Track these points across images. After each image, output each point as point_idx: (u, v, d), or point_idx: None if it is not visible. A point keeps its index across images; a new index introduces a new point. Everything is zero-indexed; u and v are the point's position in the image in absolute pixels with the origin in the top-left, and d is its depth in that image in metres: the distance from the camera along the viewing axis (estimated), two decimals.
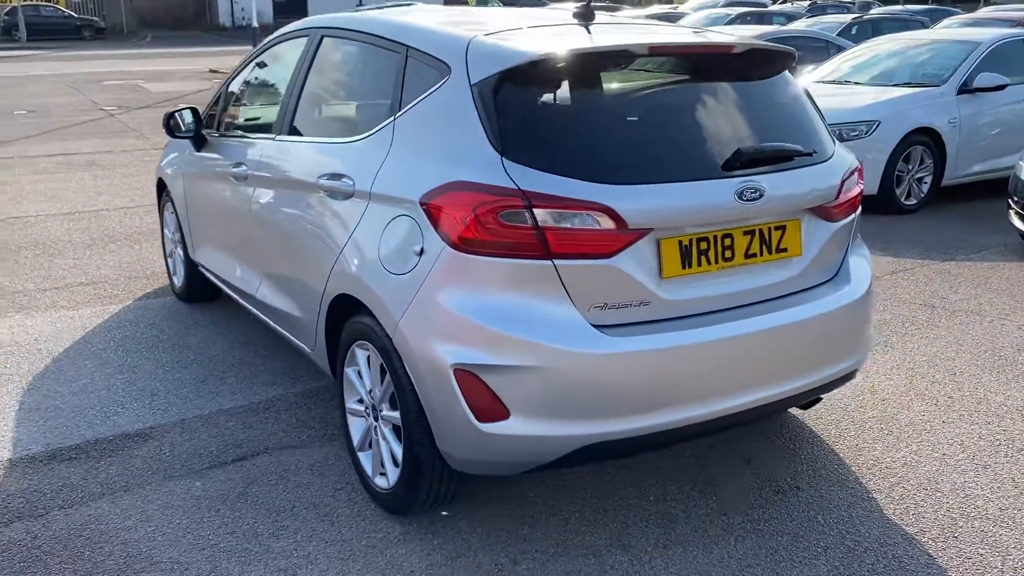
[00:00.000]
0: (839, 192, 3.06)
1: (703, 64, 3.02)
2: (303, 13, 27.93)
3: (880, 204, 7.89)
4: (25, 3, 34.99)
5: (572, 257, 2.57)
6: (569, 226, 2.56)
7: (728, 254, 2.83)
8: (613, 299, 2.64)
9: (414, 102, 2.96)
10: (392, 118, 3.04)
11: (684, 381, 2.72)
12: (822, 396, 3.48)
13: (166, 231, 5.51)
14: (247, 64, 4.53)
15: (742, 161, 2.81)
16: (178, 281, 5.37)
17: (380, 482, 3.07)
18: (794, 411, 3.90)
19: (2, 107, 15.52)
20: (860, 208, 3.32)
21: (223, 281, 4.53)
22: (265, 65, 4.36)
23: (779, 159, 2.94)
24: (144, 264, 6.19)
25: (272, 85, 4.24)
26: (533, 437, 2.61)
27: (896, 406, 3.97)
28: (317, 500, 3.19)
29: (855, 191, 3.18)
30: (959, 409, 3.94)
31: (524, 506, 3.15)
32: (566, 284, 2.59)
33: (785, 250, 2.96)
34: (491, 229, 2.54)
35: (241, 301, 4.35)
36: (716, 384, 2.78)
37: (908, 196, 8.08)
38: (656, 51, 2.90)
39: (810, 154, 3.04)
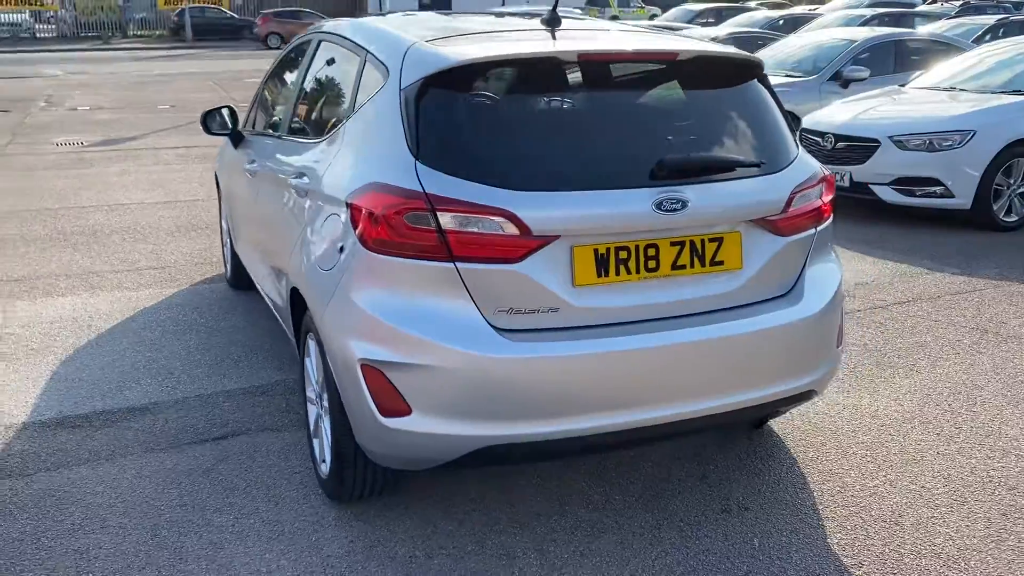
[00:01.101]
0: (787, 205, 2.95)
1: (645, 72, 2.98)
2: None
3: (974, 219, 7.41)
4: (192, 5, 37.53)
5: (475, 261, 2.62)
6: (473, 230, 2.60)
7: (652, 264, 2.79)
8: (520, 304, 2.67)
9: (362, 105, 3.08)
10: (345, 120, 3.17)
11: (591, 390, 2.71)
12: (772, 415, 3.33)
13: (222, 222, 5.89)
14: (274, 65, 4.79)
15: (667, 171, 2.76)
16: (227, 270, 5.72)
17: (323, 468, 3.21)
18: (778, 430, 3.77)
19: (151, 101, 16.79)
20: (828, 222, 3.18)
21: (248, 270, 4.81)
22: (285, 66, 4.60)
23: (713, 169, 2.87)
24: (213, 252, 6.61)
25: (285, 86, 4.47)
26: (433, 435, 2.67)
27: (893, 433, 3.76)
28: (272, 481, 3.36)
29: (812, 204, 3.05)
30: (962, 440, 3.69)
31: (460, 503, 3.20)
32: (469, 287, 2.63)
33: (721, 263, 2.88)
34: (398, 231, 2.62)
35: (259, 290, 4.62)
36: (629, 395, 2.75)
37: (1008, 212, 7.53)
38: (587, 58, 2.88)
39: (756, 165, 2.95)
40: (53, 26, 39.81)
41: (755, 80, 3.15)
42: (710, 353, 2.84)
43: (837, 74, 10.07)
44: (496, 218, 2.60)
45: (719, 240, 2.87)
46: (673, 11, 25.11)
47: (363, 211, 2.71)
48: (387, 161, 2.77)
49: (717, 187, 2.84)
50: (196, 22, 36.68)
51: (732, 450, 3.61)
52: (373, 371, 2.66)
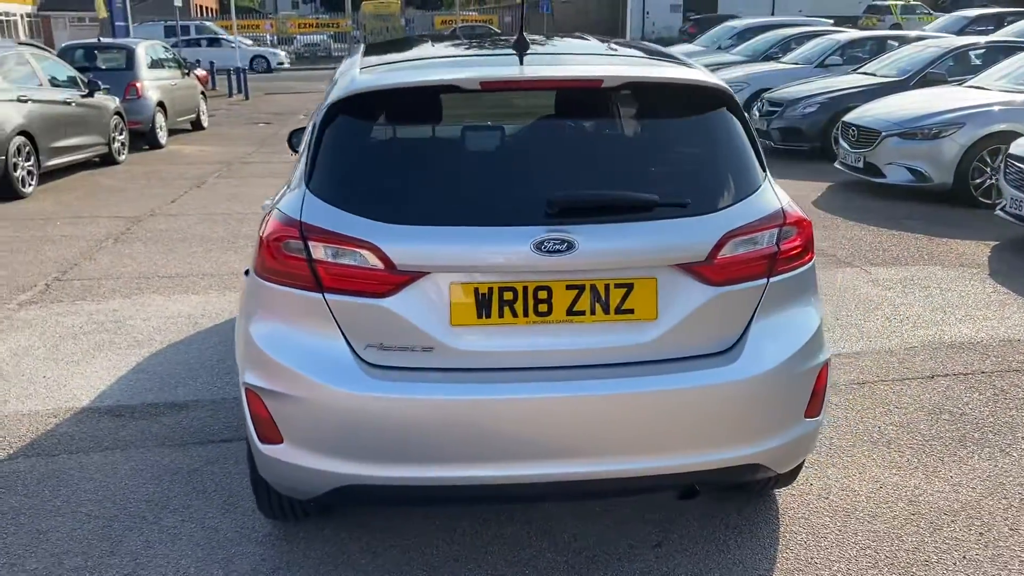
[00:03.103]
0: (715, 251, 2.59)
1: (567, 101, 2.75)
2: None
3: None
4: (463, 24, 39.84)
5: (343, 293, 2.56)
6: (341, 262, 2.55)
7: (543, 308, 2.57)
8: (390, 341, 2.57)
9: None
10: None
11: (462, 438, 2.54)
12: (700, 488, 2.90)
13: None
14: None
15: (556, 210, 2.53)
16: None
17: None
18: (783, 500, 3.31)
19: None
20: (795, 272, 2.75)
21: None
22: None
23: (618, 209, 2.58)
24: None
25: None
26: (300, 467, 2.64)
27: (922, 525, 3.18)
28: (236, 490, 3.50)
29: (758, 251, 2.65)
30: (1006, 545, 3.03)
31: (387, 537, 3.14)
32: (339, 320, 2.58)
33: (631, 312, 2.59)
34: (277, 258, 2.63)
35: None
36: (508, 448, 2.55)
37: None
38: (491, 87, 2.69)
39: (679, 204, 2.61)
40: (346, 45, 43.95)
41: (711, 109, 2.80)
42: (610, 410, 2.56)
43: None
44: (361, 250, 2.52)
45: (628, 286, 2.58)
46: (944, 18, 22.71)
47: (258, 236, 2.75)
48: (293, 187, 2.79)
49: (616, 228, 2.55)
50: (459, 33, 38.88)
51: (707, 519, 3.23)
52: (255, 397, 2.69)
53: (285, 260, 2.61)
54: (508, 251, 2.50)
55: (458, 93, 2.70)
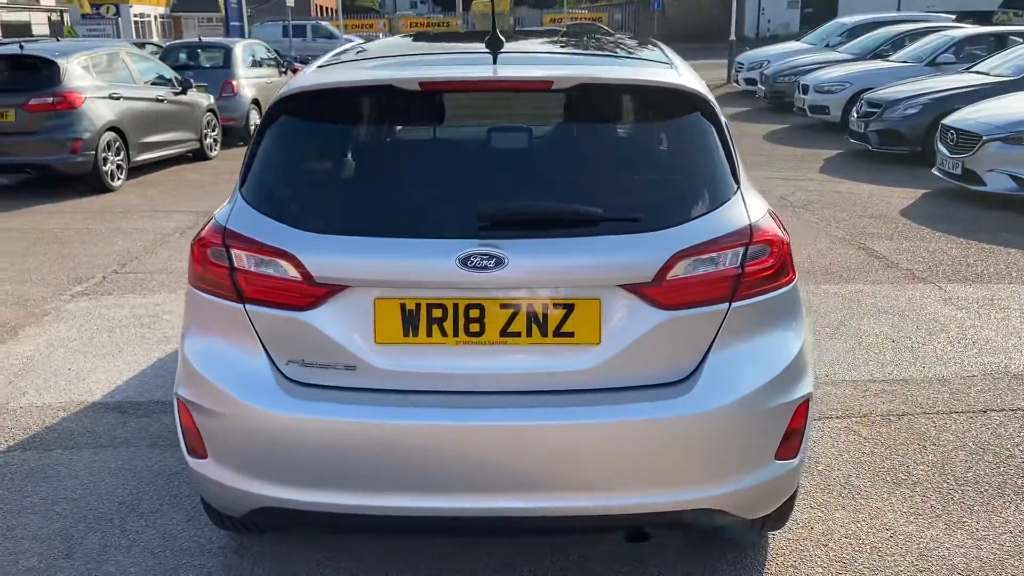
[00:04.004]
0: (664, 271, 2.32)
1: (518, 103, 2.53)
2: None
3: None
4: (573, 22, 39.56)
5: (264, 305, 2.43)
6: (260, 271, 2.42)
7: (475, 328, 2.37)
8: (311, 357, 2.42)
9: None
10: None
11: (383, 465, 2.37)
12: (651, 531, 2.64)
13: None
14: None
15: (487, 223, 2.32)
16: None
17: None
18: (775, 543, 3.00)
19: None
20: (766, 297, 2.45)
21: None
22: None
23: (556, 223, 2.35)
24: None
25: None
26: (223, 485, 2.53)
27: None
28: None
29: (718, 272, 2.37)
30: None
31: (332, 557, 3.00)
32: (260, 333, 2.45)
33: (571, 335, 2.36)
34: (204, 266, 2.52)
35: None
36: (433, 478, 2.37)
37: None
38: (431, 87, 2.49)
39: (628, 220, 2.36)
40: None
41: (680, 114, 2.54)
42: (545, 442, 2.34)
43: None
44: (279, 260, 2.38)
45: (568, 307, 2.35)
46: None
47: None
48: (233, 193, 2.68)
49: (552, 244, 2.32)
50: None
51: (695, 556, 2.95)
52: (184, 408, 2.60)
53: (210, 268, 2.50)
54: (431, 266, 2.31)
55: (399, 94, 2.53)
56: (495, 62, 2.68)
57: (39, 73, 9.69)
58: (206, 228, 2.58)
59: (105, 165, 9.89)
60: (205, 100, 12.38)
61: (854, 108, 12.08)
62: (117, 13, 37.92)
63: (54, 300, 6.00)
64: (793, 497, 2.86)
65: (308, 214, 2.42)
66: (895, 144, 11.06)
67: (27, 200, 9.57)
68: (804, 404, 2.53)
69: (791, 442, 2.52)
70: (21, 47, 10.22)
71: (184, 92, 11.72)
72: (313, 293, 2.38)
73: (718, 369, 2.41)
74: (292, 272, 2.38)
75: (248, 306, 2.44)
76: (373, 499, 2.41)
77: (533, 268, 2.30)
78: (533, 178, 2.49)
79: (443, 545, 3.03)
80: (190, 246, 2.60)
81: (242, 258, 2.44)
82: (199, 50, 15.07)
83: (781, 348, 2.50)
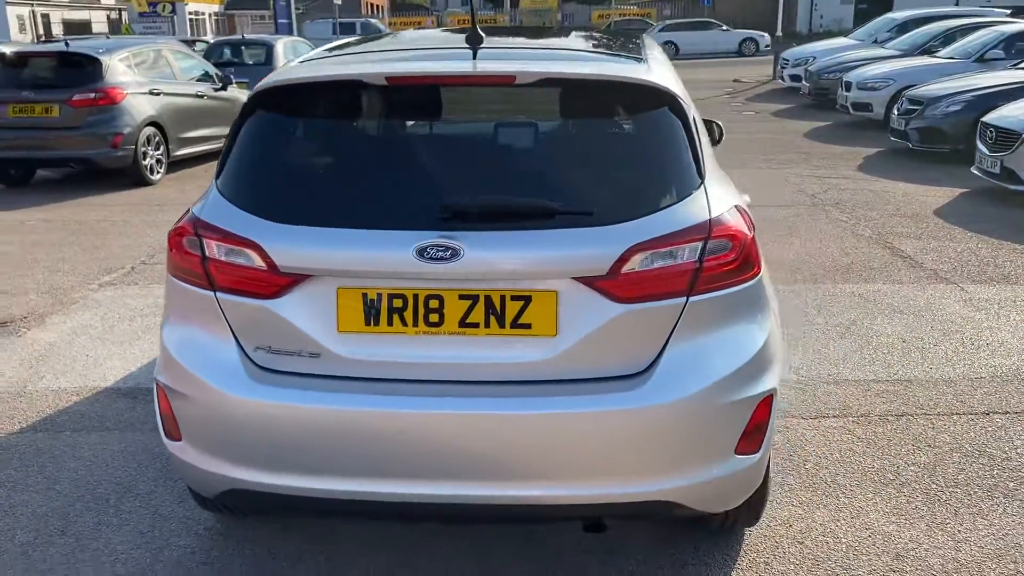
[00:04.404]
0: (619, 264, 2.34)
1: (483, 97, 2.56)
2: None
3: None
4: (620, 18, 39.39)
5: (232, 293, 2.50)
6: (229, 260, 2.49)
7: (434, 318, 2.42)
8: (278, 344, 2.49)
9: None
10: None
11: (345, 450, 2.43)
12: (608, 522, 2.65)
13: None
14: None
15: (445, 215, 2.37)
16: None
17: None
18: (751, 539, 3.00)
19: None
20: (728, 292, 2.45)
21: None
22: None
23: (512, 215, 2.38)
24: None
25: None
26: (195, 467, 2.62)
27: None
28: None
29: (675, 266, 2.37)
30: None
31: (313, 543, 3.07)
32: (229, 320, 2.53)
33: (528, 326, 2.40)
34: (179, 254, 2.61)
35: None
36: (393, 464, 2.42)
37: None
38: (398, 81, 2.54)
39: (583, 213, 2.38)
40: None
41: (644, 110, 2.56)
42: (501, 431, 2.38)
43: None
44: (246, 249, 2.46)
45: (526, 299, 2.39)
46: None
47: None
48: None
49: (509, 237, 2.35)
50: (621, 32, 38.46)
51: (660, 548, 2.96)
52: (161, 392, 2.69)
53: (184, 256, 2.59)
54: (390, 256, 2.36)
55: (367, 88, 2.59)
56: (474, 57, 2.72)
57: (83, 70, 9.98)
58: (183, 218, 2.67)
59: (145, 159, 10.16)
60: (245, 96, 12.61)
61: (896, 105, 11.85)
62: (173, 11, 38.81)
63: (82, 289, 6.21)
64: (763, 493, 2.86)
65: (275, 205, 2.49)
66: (936, 142, 10.81)
67: (70, 193, 9.89)
68: (767, 399, 2.53)
69: (753, 437, 2.51)
70: (67, 44, 10.54)
71: (224, 88, 11.97)
72: (278, 282, 2.45)
73: (675, 363, 2.42)
74: (258, 261, 2.45)
75: (219, 294, 2.52)
76: (334, 483, 2.47)
77: (489, 260, 2.34)
78: (495, 171, 2.52)
79: (419, 531, 3.09)
80: (167, 236, 2.69)
81: (213, 247, 2.52)
82: (242, 47, 15.39)
83: (742, 343, 2.50)
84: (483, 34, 2.80)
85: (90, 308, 5.76)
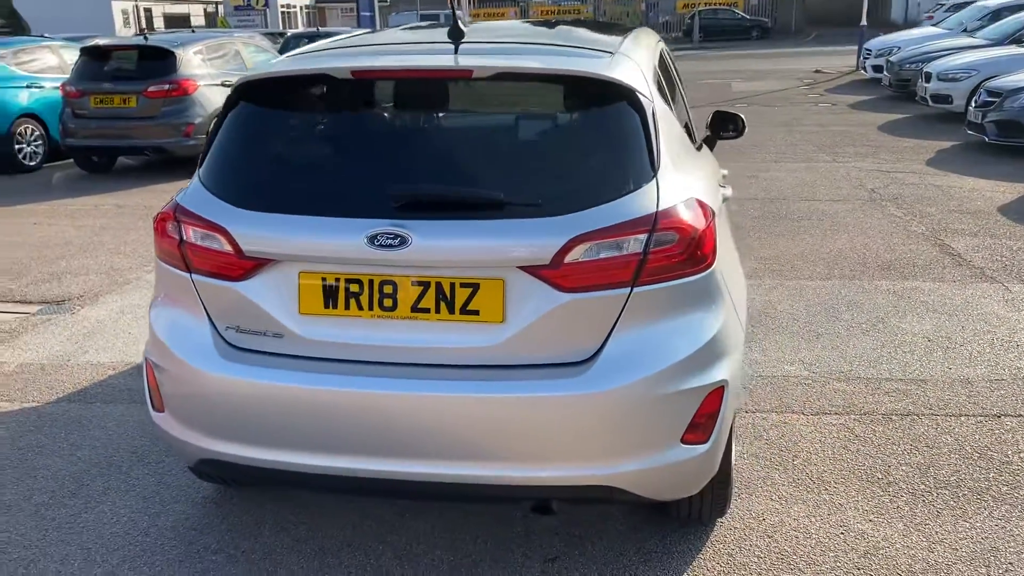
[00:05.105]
0: (561, 254, 2.40)
1: (443, 91, 2.64)
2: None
3: None
4: (707, 7, 38.74)
5: (205, 275, 2.66)
6: (202, 244, 2.65)
7: (388, 303, 2.53)
8: (245, 324, 2.64)
9: None
10: None
11: (303, 426, 2.56)
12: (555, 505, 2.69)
13: None
14: None
15: (396, 203, 2.47)
16: None
17: None
18: (719, 530, 3.03)
19: None
20: (677, 283, 2.48)
21: None
22: None
23: (461, 205, 2.47)
24: None
25: None
26: (174, 437, 2.79)
27: None
28: None
29: (619, 257, 2.41)
30: None
31: (299, 518, 3.23)
32: (204, 300, 2.69)
33: (476, 313, 2.48)
34: (163, 238, 2.79)
35: None
36: (348, 440, 2.54)
37: None
38: (362, 75, 2.65)
39: (530, 204, 2.45)
40: None
41: (601, 103, 2.61)
42: (449, 412, 2.48)
43: None
44: (215, 233, 2.61)
45: (474, 287, 2.47)
46: None
47: None
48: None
49: (455, 226, 2.44)
50: (706, 23, 37.86)
51: (623, 538, 3.01)
52: (149, 366, 2.88)
53: (165, 240, 2.76)
54: (343, 243, 2.48)
55: (334, 82, 2.71)
56: (456, 52, 2.81)
57: (159, 62, 10.46)
58: (167, 205, 2.84)
59: None
60: None
61: (974, 97, 11.39)
62: (266, 4, 39.95)
63: (138, 271, 6.55)
64: (724, 484, 2.88)
65: (243, 193, 2.64)
66: (1014, 135, 10.36)
67: (145, 180, 10.40)
68: (717, 391, 2.55)
69: (702, 427, 2.54)
70: (145, 38, 11.06)
71: None
72: (243, 265, 2.60)
73: (619, 352, 2.47)
74: (225, 245, 2.60)
75: (194, 275, 2.69)
76: (294, 457, 2.60)
77: (435, 248, 2.43)
78: (450, 163, 2.61)
79: (396, 510, 3.21)
80: (152, 221, 2.88)
81: (189, 232, 2.68)
82: (318, 40, 15.78)
83: (688, 334, 2.52)
84: (464, 29, 2.90)
85: (140, 289, 6.08)
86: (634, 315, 2.47)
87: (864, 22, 21.95)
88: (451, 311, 2.49)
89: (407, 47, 3.02)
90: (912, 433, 3.73)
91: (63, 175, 11.17)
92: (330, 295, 2.56)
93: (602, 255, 2.43)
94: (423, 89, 2.79)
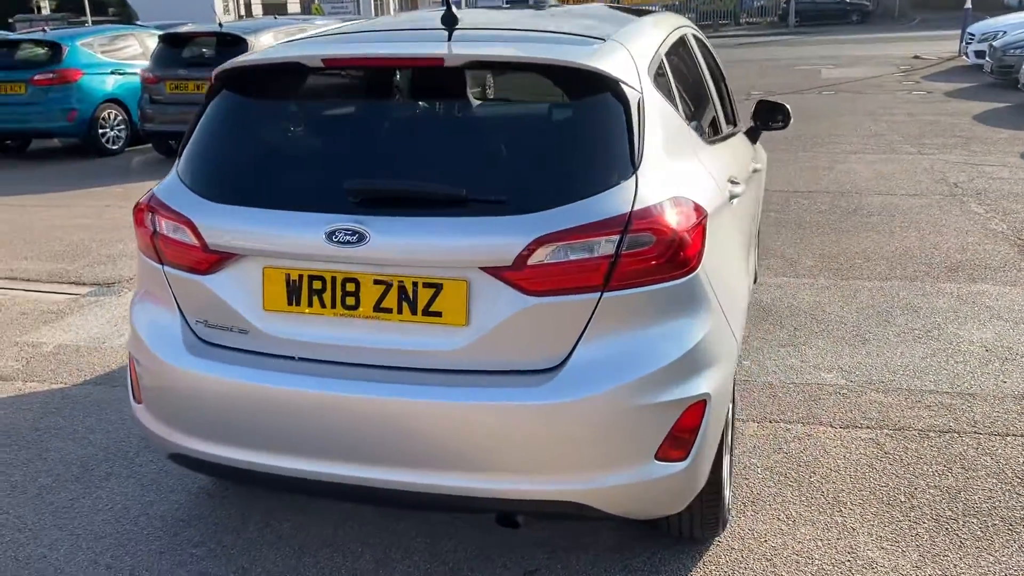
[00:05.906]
0: (524, 256, 2.25)
1: (415, 80, 2.51)
2: None
3: None
4: None
5: (175, 267, 2.62)
6: (172, 236, 2.61)
7: (351, 301, 2.43)
8: (213, 319, 2.59)
9: None
10: None
11: (263, 425, 2.49)
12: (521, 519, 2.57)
13: None
14: None
15: (355, 199, 2.36)
16: None
17: None
18: (714, 550, 2.84)
19: None
20: (654, 288, 2.31)
21: None
22: None
23: (422, 202, 2.34)
24: None
25: None
26: (148, 429, 2.77)
27: None
28: None
29: (589, 260, 2.25)
30: None
31: (286, 512, 3.18)
32: (175, 292, 2.65)
33: (439, 314, 2.36)
34: (140, 230, 2.75)
35: None
36: (309, 442, 2.46)
37: None
38: (333, 63, 2.53)
39: (495, 202, 2.31)
40: None
41: (580, 96, 2.45)
42: (409, 417, 2.37)
43: None
44: (182, 226, 2.56)
45: (437, 287, 2.35)
46: None
47: None
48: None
49: (414, 223, 2.31)
50: (802, 7, 36.55)
51: (608, 552, 2.85)
52: (131, 360, 2.86)
53: (142, 231, 2.73)
54: (302, 238, 2.39)
55: (307, 71, 2.62)
56: (449, 39, 2.69)
57: (232, 48, 10.62)
58: (144, 195, 2.81)
59: None
60: None
61: None
62: None
63: None
64: (715, 503, 2.70)
65: (210, 185, 2.58)
66: None
67: None
68: (698, 405, 2.37)
69: (679, 443, 2.37)
70: (220, 26, 11.26)
71: None
72: (208, 259, 2.54)
73: (588, 360, 2.31)
74: (192, 238, 2.55)
75: (166, 268, 2.65)
76: (255, 456, 2.53)
77: (394, 245, 2.32)
78: (416, 157, 2.48)
79: (380, 511, 3.13)
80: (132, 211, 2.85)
81: (162, 224, 2.64)
82: None
83: (666, 344, 2.34)
84: (458, 15, 2.77)
85: None
86: (605, 321, 2.30)
87: (969, 4, 20.71)
88: (413, 312, 2.38)
89: (394, 34, 2.90)
90: (948, 452, 3.43)
91: (142, 159, 11.52)
92: (293, 292, 2.47)
93: (571, 257, 2.27)
94: (395, 79, 2.68)
